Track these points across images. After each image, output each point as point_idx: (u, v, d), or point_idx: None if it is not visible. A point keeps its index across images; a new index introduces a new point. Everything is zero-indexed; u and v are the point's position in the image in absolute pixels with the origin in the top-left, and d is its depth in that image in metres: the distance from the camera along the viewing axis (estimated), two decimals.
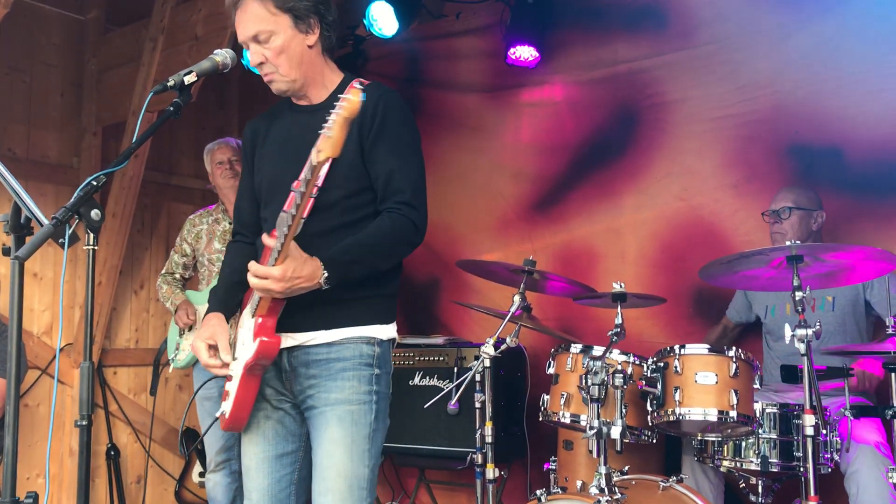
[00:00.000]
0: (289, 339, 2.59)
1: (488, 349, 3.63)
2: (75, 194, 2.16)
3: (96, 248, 2.23)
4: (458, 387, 3.54)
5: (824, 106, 4.51)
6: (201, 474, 5.36)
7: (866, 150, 4.36)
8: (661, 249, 5.01)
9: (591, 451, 3.17)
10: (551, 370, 3.63)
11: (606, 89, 5.29)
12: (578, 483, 3.31)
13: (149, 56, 5.79)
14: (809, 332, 2.85)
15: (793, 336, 2.88)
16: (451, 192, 5.83)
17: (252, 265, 2.37)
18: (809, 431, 2.86)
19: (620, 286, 3.39)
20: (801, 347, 2.87)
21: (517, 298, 3.72)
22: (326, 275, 2.41)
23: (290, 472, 2.68)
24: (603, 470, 3.12)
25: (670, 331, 4.90)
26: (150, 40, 5.82)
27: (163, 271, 5.02)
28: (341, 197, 2.56)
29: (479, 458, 3.86)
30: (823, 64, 4.51)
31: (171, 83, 2.46)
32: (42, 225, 2.12)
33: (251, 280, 2.37)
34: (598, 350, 3.43)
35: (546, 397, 3.60)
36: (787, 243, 3.00)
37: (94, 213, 2.19)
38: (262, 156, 2.77)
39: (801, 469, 3.14)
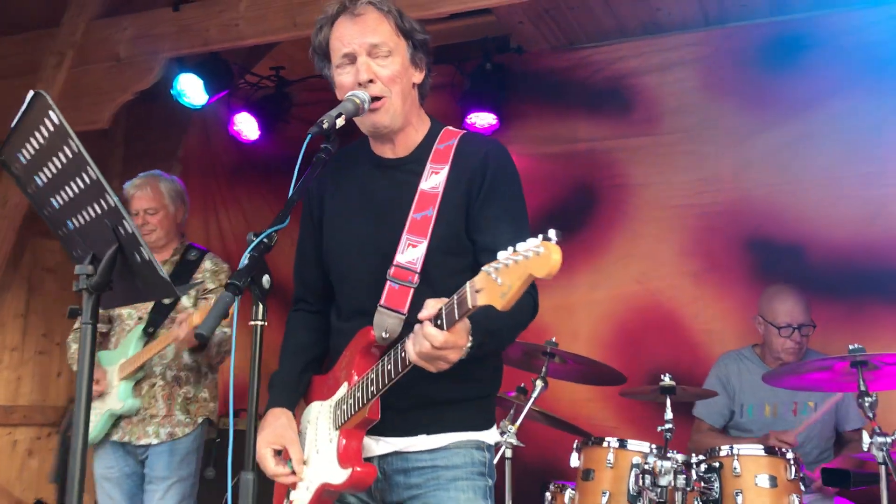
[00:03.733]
0: (382, 444, 2.18)
1: (511, 438, 3.35)
2: (246, 256, 1.68)
3: (265, 323, 1.74)
4: None
5: (785, 205, 4.72)
6: None
7: (826, 251, 4.60)
8: (616, 331, 4.97)
9: None
10: (577, 464, 3.40)
11: (565, 165, 5.25)
12: None
13: (51, 72, 5.03)
14: (888, 439, 2.85)
15: (871, 443, 2.86)
16: None
17: (434, 331, 1.85)
18: None
19: (669, 378, 3.25)
20: (880, 456, 2.86)
21: (539, 383, 3.48)
22: (471, 343, 1.96)
23: None
24: None
25: (623, 416, 4.84)
26: (54, 54, 5.06)
27: (75, 326, 4.24)
28: (444, 276, 2.15)
29: None
30: (785, 165, 4.74)
31: (325, 125, 2.03)
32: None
33: (422, 348, 1.86)
34: (636, 444, 3.25)
35: (573, 493, 3.35)
36: (851, 347, 3.01)
37: (265, 280, 1.72)
38: (332, 214, 2.34)
39: None
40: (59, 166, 1.79)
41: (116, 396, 3.80)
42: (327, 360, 2.42)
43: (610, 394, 4.70)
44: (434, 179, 2.20)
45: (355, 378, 2.11)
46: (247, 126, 5.79)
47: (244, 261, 1.70)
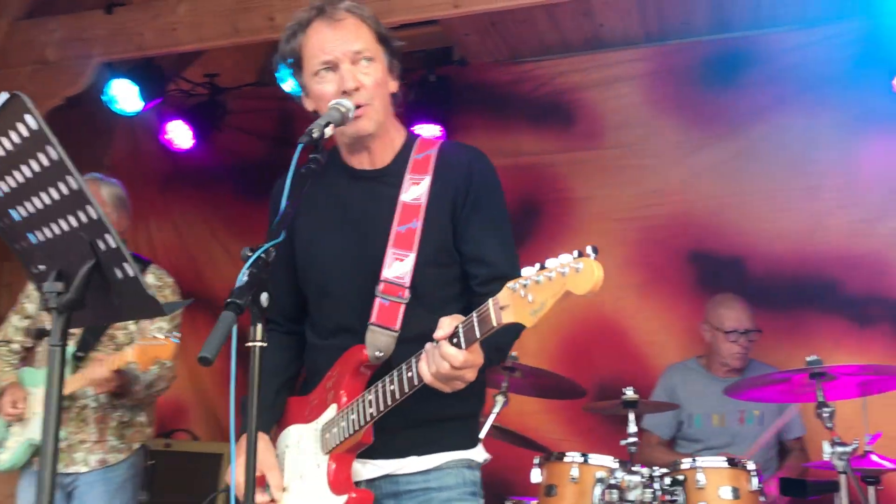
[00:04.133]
0: (370, 467, 2.09)
1: None
2: (245, 273, 1.56)
3: (265, 344, 1.62)
4: None
5: (727, 218, 4.82)
6: None
7: (766, 263, 4.71)
8: (563, 344, 4.97)
9: None
10: (539, 479, 3.36)
11: (509, 178, 5.03)
12: None
13: None
14: (849, 448, 2.90)
15: (832, 453, 2.91)
16: None
17: (453, 351, 1.78)
18: None
19: (632, 392, 3.25)
20: (840, 465, 2.91)
21: (500, 399, 3.43)
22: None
23: None
24: None
25: (572, 428, 4.84)
26: None
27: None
28: (433, 289, 2.12)
29: None
30: (727, 180, 4.84)
31: (315, 134, 1.93)
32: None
33: (441, 368, 1.78)
34: (599, 459, 3.24)
35: None
36: (809, 358, 3.07)
37: (264, 298, 1.60)
38: (306, 230, 2.25)
39: None
40: (30, 175, 1.64)
41: (39, 425, 3.53)
42: (302, 380, 2.31)
43: (558, 406, 4.70)
44: (415, 191, 2.14)
45: (345, 399, 2.01)
46: (179, 134, 5.57)
47: (243, 277, 1.58)
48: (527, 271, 1.62)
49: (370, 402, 1.94)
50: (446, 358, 1.76)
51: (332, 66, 2.08)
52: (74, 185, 1.58)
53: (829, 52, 4.70)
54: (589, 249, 1.53)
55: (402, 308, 2.05)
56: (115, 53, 4.65)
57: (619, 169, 5.03)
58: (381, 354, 2.02)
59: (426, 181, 2.14)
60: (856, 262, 4.55)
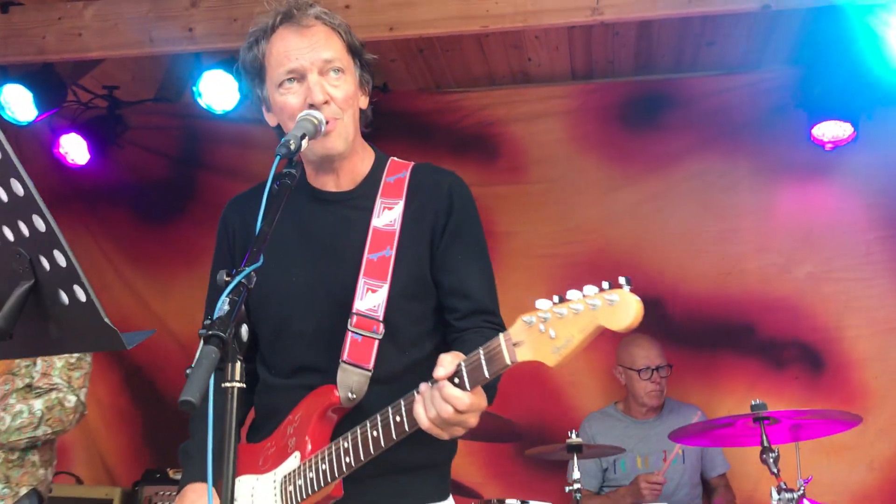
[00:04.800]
0: None
1: None
2: (225, 300, 1.33)
3: (244, 385, 1.38)
4: None
5: (647, 258, 4.82)
6: None
7: (684, 305, 4.74)
8: None
9: None
10: None
11: None
12: None
13: None
14: (795, 495, 2.87)
15: (779, 499, 2.88)
16: None
17: (458, 393, 1.59)
18: None
19: (575, 435, 3.13)
20: None
21: None
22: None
23: None
24: None
25: (489, 471, 4.68)
26: None
27: None
28: (406, 324, 1.95)
29: None
30: (647, 220, 4.86)
31: (293, 146, 1.74)
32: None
33: (443, 413, 1.58)
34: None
35: None
36: (753, 403, 3.05)
37: (244, 332, 1.38)
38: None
39: None
40: None
41: None
42: (251, 423, 2.07)
43: (474, 448, 4.53)
44: (388, 216, 1.97)
45: (310, 447, 1.79)
46: (74, 148, 5.15)
47: (223, 305, 1.35)
48: (542, 304, 1.47)
49: (346, 450, 1.72)
50: (449, 401, 1.57)
51: (299, 77, 1.90)
52: (19, 191, 1.31)
53: (747, 98, 4.82)
54: (623, 281, 1.39)
55: (376, 344, 1.87)
56: (10, 56, 4.25)
57: (541, 204, 4.98)
58: (354, 396, 1.82)
59: (399, 206, 1.98)
60: (771, 305, 4.64)
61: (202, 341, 1.31)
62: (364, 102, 2.04)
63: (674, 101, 4.93)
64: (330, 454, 1.75)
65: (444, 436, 1.64)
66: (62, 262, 1.34)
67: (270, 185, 1.63)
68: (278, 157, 1.70)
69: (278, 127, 2.00)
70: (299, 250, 1.99)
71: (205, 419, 2.01)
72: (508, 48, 4.79)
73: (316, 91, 1.87)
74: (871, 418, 4.27)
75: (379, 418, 1.71)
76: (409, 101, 5.22)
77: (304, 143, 1.77)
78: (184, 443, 2.05)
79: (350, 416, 1.84)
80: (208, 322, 1.34)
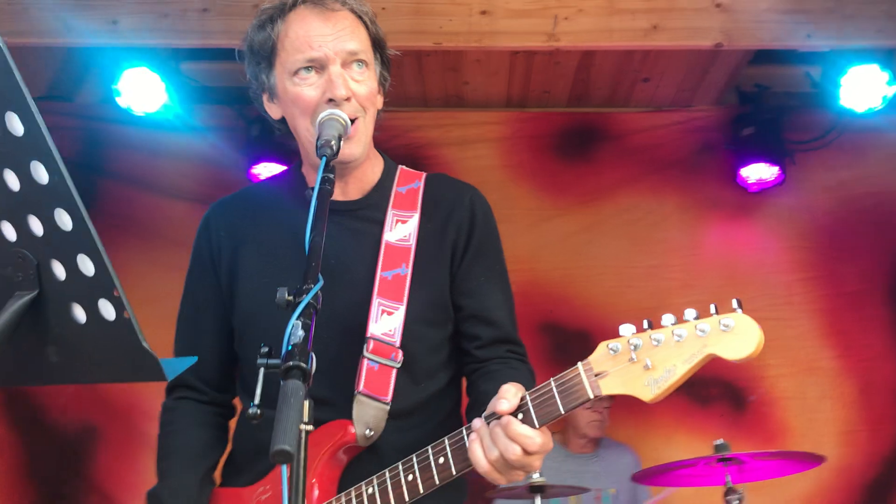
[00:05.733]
0: None
1: None
2: (299, 324, 1.10)
3: (311, 427, 1.14)
4: None
5: (576, 290, 4.77)
6: None
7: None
8: None
9: None
10: None
11: None
12: None
13: None
14: None
15: None
16: (138, 318, 4.60)
17: (529, 431, 1.41)
18: None
19: (539, 475, 2.98)
20: None
21: None
22: None
23: None
24: None
25: None
26: None
27: None
28: (423, 352, 1.76)
29: None
30: (578, 252, 4.82)
31: (335, 147, 1.53)
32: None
33: (510, 454, 1.40)
34: None
35: None
36: (717, 443, 3.01)
37: (312, 359, 1.15)
38: (255, 272, 1.80)
39: None
40: None
41: None
42: (227, 462, 1.80)
43: None
44: (402, 230, 1.79)
45: (317, 493, 1.55)
46: None
47: (298, 331, 1.11)
48: (627, 329, 1.31)
49: (371, 497, 1.50)
50: (517, 440, 1.38)
51: (318, 66, 1.68)
52: (41, 178, 1.04)
53: (678, 136, 4.88)
54: (735, 304, 1.24)
55: (394, 374, 1.66)
56: None
57: None
58: (372, 433, 1.61)
59: (414, 219, 1.79)
60: None
61: (282, 375, 1.06)
62: (380, 102, 1.84)
63: (606, 135, 4.93)
64: (349, 502, 1.52)
65: (502, 481, 1.46)
66: (88, 269, 1.07)
67: (321, 190, 1.40)
68: (324, 160, 1.48)
69: (282, 121, 1.78)
70: (295, 265, 1.75)
71: (179, 457, 1.75)
72: (446, 70, 4.65)
73: (339, 84, 1.65)
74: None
75: (416, 460, 1.50)
76: None
77: (342, 144, 1.57)
78: (152, 488, 1.76)
79: (361, 459, 1.62)
80: (285, 352, 1.09)
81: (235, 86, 4.81)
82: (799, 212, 4.73)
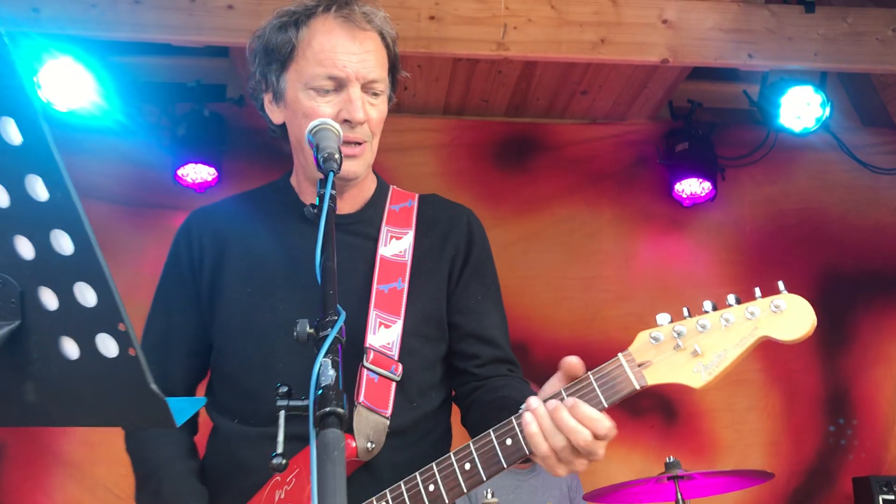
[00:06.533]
0: None
1: None
2: (325, 363, 0.98)
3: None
4: None
5: (513, 301, 4.62)
6: None
7: (548, 350, 4.68)
8: None
9: None
10: None
11: None
12: None
13: None
14: None
15: None
16: None
17: (598, 414, 1.31)
18: None
19: (491, 496, 2.91)
20: None
21: None
22: None
23: None
24: None
25: None
26: None
27: None
28: (417, 369, 1.67)
29: None
30: (514, 262, 4.78)
31: (339, 159, 1.46)
32: None
33: (579, 439, 1.29)
34: None
35: None
36: (668, 460, 3.01)
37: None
38: (240, 281, 1.68)
39: None
40: None
41: None
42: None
43: None
44: (397, 245, 1.74)
45: None
46: None
47: (328, 370, 0.99)
48: (663, 318, 1.27)
49: None
50: (587, 423, 1.29)
51: (338, 85, 1.61)
52: (39, 195, 0.90)
53: (613, 149, 4.91)
54: (781, 286, 1.22)
55: (393, 388, 1.58)
56: None
57: None
58: (373, 447, 1.52)
59: (409, 236, 1.75)
60: None
61: (317, 424, 0.94)
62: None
63: (543, 146, 4.92)
64: None
65: (562, 472, 1.36)
66: (87, 299, 0.93)
67: (327, 209, 1.29)
68: (332, 175, 1.37)
69: (282, 127, 1.70)
70: (286, 278, 1.66)
71: (162, 460, 1.60)
72: None
73: (357, 108, 1.60)
74: (720, 467, 4.42)
75: (436, 469, 1.42)
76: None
77: (346, 162, 1.53)
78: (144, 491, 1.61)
79: (356, 477, 1.51)
80: (316, 395, 0.96)
81: (162, 82, 4.60)
82: (729, 226, 4.83)
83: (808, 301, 1.26)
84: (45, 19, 3.55)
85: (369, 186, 1.80)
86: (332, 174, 1.38)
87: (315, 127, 1.50)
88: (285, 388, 1.06)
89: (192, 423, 1.72)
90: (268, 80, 1.67)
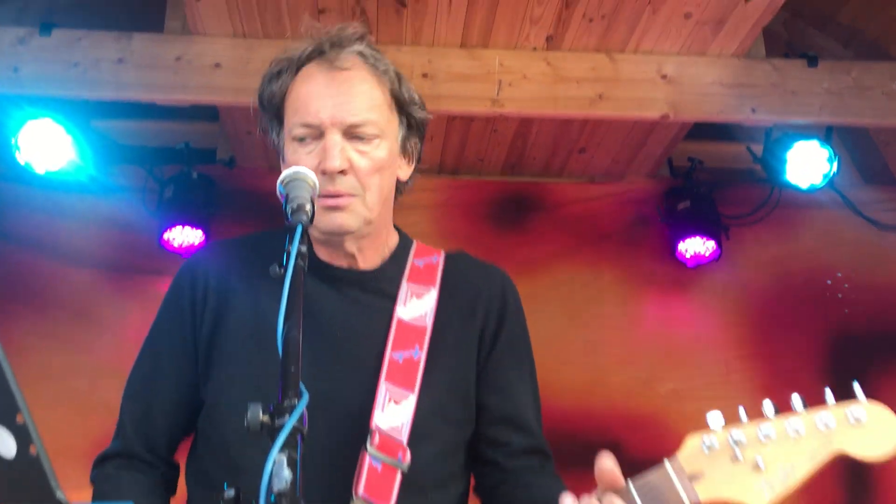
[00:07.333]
0: None
1: None
2: (281, 460, 0.81)
3: None
4: None
5: None
6: None
7: (551, 417, 4.40)
8: None
9: None
10: None
11: None
12: None
13: None
14: None
15: None
16: (28, 398, 4.10)
17: None
18: None
19: None
20: None
21: None
22: None
23: None
24: None
25: None
26: None
27: None
28: (432, 456, 1.50)
29: None
30: None
31: (310, 211, 1.33)
32: None
33: None
34: None
35: None
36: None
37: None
38: (240, 338, 1.53)
39: None
40: None
41: None
42: None
43: None
44: (417, 306, 1.58)
45: None
46: None
47: (282, 471, 0.82)
48: (715, 420, 1.09)
49: None
50: None
51: (315, 133, 1.49)
52: None
53: (613, 208, 4.78)
54: (857, 389, 1.05)
55: (399, 477, 1.40)
56: None
57: None
58: None
59: (432, 296, 1.59)
60: (636, 422, 4.47)
61: None
62: (406, 172, 1.69)
63: (541, 205, 4.79)
64: None
65: None
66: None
67: (294, 267, 1.13)
68: (300, 227, 1.22)
69: None
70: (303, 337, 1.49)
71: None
72: None
73: (332, 156, 1.46)
74: None
75: None
76: (258, 179, 4.67)
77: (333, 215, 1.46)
78: None
79: None
80: (267, 501, 0.79)
81: (149, 145, 4.49)
82: (734, 288, 4.66)
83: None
84: (25, 78, 3.45)
85: (390, 241, 1.66)
86: (300, 227, 1.22)
87: (286, 177, 1.36)
88: (232, 492, 0.88)
89: (170, 483, 1.55)
90: (270, 135, 1.59)
